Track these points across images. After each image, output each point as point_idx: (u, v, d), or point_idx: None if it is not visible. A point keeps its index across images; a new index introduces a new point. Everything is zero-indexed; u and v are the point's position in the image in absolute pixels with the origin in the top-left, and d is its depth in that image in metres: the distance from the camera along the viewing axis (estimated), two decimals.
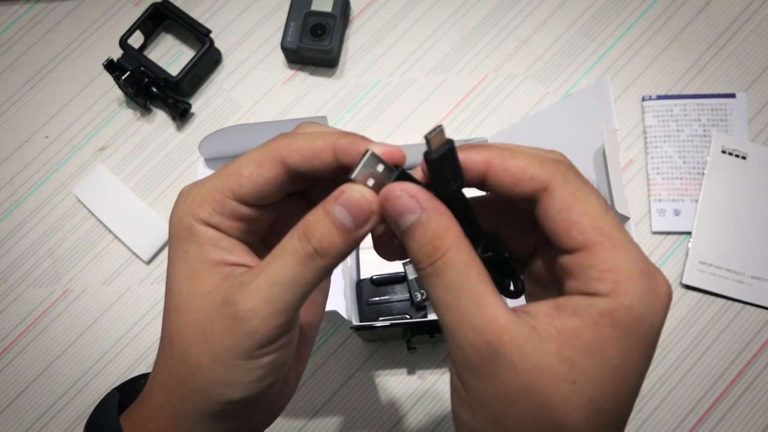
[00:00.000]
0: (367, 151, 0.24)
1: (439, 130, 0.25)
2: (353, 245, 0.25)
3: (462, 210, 0.26)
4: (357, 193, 0.24)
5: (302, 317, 0.30)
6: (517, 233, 0.28)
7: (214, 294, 0.25)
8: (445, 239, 0.24)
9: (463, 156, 0.25)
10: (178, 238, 0.26)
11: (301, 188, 0.28)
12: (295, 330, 0.27)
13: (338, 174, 0.26)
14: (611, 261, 0.23)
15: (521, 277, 0.28)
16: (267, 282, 0.24)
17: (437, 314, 0.24)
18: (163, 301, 0.27)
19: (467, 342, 0.23)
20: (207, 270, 0.25)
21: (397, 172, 0.25)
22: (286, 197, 0.28)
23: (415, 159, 0.57)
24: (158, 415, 0.27)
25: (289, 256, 0.24)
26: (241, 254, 0.26)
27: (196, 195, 0.26)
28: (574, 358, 0.22)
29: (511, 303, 0.25)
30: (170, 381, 0.26)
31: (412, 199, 0.24)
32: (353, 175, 0.24)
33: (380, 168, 0.25)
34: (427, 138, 0.24)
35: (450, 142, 0.25)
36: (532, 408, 0.23)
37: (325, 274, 0.25)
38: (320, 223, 0.24)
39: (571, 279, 0.24)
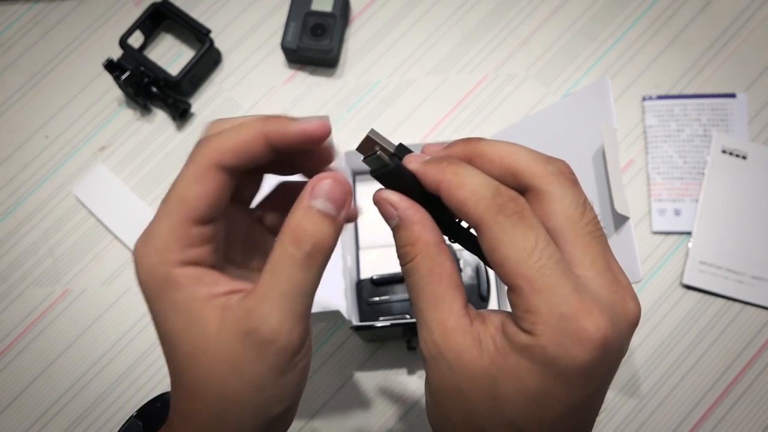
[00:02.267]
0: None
1: (364, 142, 0.27)
2: (340, 230, 0.26)
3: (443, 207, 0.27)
4: (328, 179, 0.26)
5: None
6: None
7: (225, 330, 0.25)
8: (415, 246, 0.26)
9: (423, 170, 0.26)
10: (157, 293, 0.26)
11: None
12: (310, 341, 0.28)
13: (273, 157, 0.27)
14: (529, 304, 0.23)
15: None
16: (277, 299, 0.25)
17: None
18: None
19: (422, 337, 0.26)
20: (202, 310, 0.25)
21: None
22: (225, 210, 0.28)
23: None
24: None
25: (288, 266, 0.25)
26: (226, 282, 0.26)
27: (157, 242, 0.25)
28: (498, 378, 0.24)
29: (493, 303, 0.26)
30: (208, 426, 0.26)
31: (391, 207, 0.26)
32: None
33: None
34: (365, 158, 0.27)
35: (388, 165, 0.27)
36: (463, 410, 0.25)
37: (324, 268, 0.26)
38: (306, 220, 0.25)
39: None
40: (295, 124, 0.26)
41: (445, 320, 0.25)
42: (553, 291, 0.23)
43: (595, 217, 0.26)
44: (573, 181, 0.26)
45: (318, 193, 0.25)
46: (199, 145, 0.26)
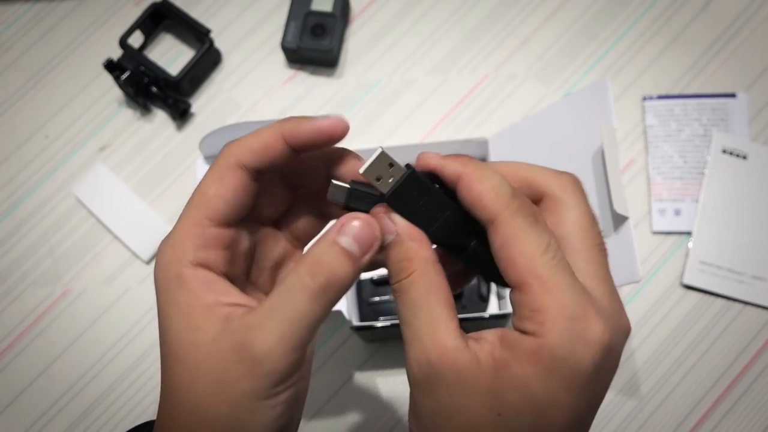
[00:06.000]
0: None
1: (377, 156, 0.26)
2: (358, 273, 0.26)
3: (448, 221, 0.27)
4: (360, 220, 0.25)
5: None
6: None
7: (221, 341, 0.24)
8: (412, 261, 0.25)
9: (442, 163, 0.26)
10: (166, 289, 0.26)
11: (275, 215, 0.29)
12: (309, 363, 0.27)
13: (295, 159, 0.27)
14: (539, 302, 0.23)
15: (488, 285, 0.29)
16: (279, 322, 0.24)
17: (400, 318, 0.26)
18: None
19: (415, 357, 0.25)
20: (204, 315, 0.25)
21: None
22: (262, 228, 0.29)
23: (415, 159, 0.57)
24: None
25: (299, 293, 0.25)
26: (235, 295, 0.26)
27: (176, 239, 0.26)
28: (502, 391, 0.23)
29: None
30: None
31: (389, 222, 0.26)
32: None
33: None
34: (363, 175, 0.26)
35: (408, 170, 0.26)
36: (463, 429, 0.24)
37: (333, 306, 0.26)
38: (328, 254, 0.25)
39: (513, 313, 0.25)
40: (310, 122, 0.26)
41: (443, 339, 0.24)
42: (563, 292, 0.23)
43: (601, 231, 0.27)
44: (584, 192, 0.27)
45: (346, 230, 0.25)
46: (222, 149, 0.27)
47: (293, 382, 0.26)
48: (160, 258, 0.26)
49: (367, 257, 0.26)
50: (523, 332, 0.24)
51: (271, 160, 0.26)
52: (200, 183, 0.26)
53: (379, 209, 0.26)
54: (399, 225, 0.26)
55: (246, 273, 0.29)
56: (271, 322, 0.24)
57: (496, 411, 0.23)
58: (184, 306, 0.25)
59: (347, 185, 0.27)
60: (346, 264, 0.25)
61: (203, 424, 0.25)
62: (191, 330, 0.25)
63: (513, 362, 0.23)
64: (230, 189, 0.26)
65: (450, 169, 0.26)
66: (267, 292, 0.29)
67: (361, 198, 0.27)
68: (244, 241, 0.27)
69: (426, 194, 0.26)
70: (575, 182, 0.27)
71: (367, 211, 0.27)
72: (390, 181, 0.26)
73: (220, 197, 0.26)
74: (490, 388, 0.23)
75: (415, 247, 0.26)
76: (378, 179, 0.26)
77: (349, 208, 0.27)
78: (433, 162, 0.27)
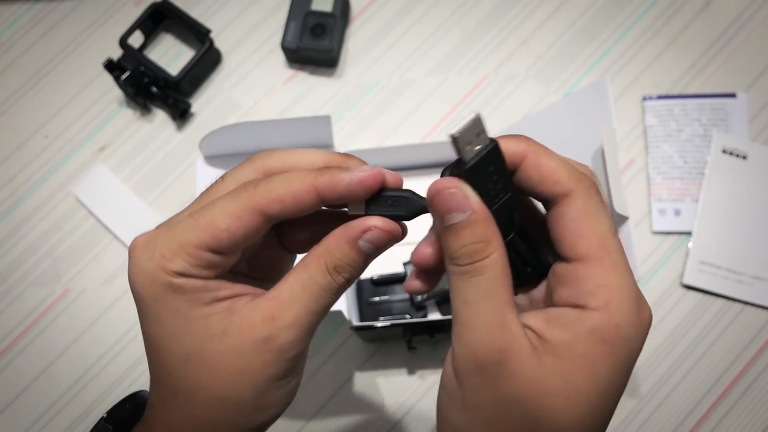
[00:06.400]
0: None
1: (472, 120, 0.24)
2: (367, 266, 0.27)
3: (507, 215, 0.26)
4: (381, 229, 0.26)
5: None
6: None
7: (235, 334, 0.25)
8: (490, 244, 0.24)
9: (503, 141, 0.25)
10: (156, 299, 0.25)
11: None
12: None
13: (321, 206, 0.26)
14: (607, 278, 0.24)
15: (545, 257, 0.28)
16: (303, 314, 0.25)
17: (454, 309, 0.25)
18: None
19: (480, 341, 0.24)
20: (204, 314, 0.25)
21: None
22: None
23: (415, 159, 0.57)
24: None
25: (321, 288, 0.26)
26: (229, 287, 0.26)
27: (165, 250, 0.25)
28: (568, 374, 0.23)
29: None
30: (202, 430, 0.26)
31: (465, 199, 0.24)
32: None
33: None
34: (454, 137, 0.24)
35: (492, 142, 0.25)
36: (525, 417, 0.23)
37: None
38: (348, 257, 0.26)
39: (563, 288, 0.25)
40: (348, 176, 0.25)
41: (513, 324, 0.24)
42: (627, 272, 0.24)
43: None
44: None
45: (370, 237, 0.26)
46: (250, 183, 0.26)
47: (304, 356, 0.28)
48: (143, 263, 0.25)
49: (380, 253, 0.26)
50: (581, 307, 0.24)
51: (298, 211, 0.25)
52: (215, 206, 0.25)
53: (454, 182, 0.24)
54: (474, 203, 0.24)
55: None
56: (294, 313, 0.25)
57: (563, 396, 0.23)
58: (185, 310, 0.25)
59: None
60: (361, 263, 0.26)
61: (227, 412, 0.26)
62: (196, 330, 0.25)
63: (573, 342, 0.23)
64: (243, 230, 0.25)
65: (513, 147, 0.25)
66: (248, 274, 0.29)
67: (380, 202, 0.26)
68: (237, 257, 0.27)
69: (498, 172, 0.25)
70: (586, 184, 0.26)
71: (393, 216, 0.26)
72: (476, 148, 0.24)
73: (230, 234, 0.25)
74: (555, 372, 0.23)
75: (492, 228, 0.25)
76: (468, 144, 0.24)
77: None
78: (512, 144, 0.26)
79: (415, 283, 0.28)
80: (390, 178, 0.26)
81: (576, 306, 0.24)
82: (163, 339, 0.26)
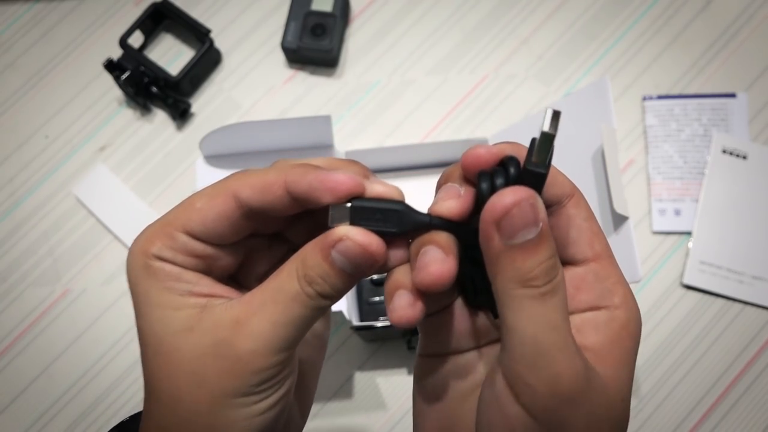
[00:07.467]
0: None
1: (554, 114, 0.21)
2: (354, 284, 0.24)
3: None
4: (354, 241, 0.23)
5: (303, 353, 0.29)
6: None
7: (199, 332, 0.23)
8: (558, 259, 0.22)
9: (510, 150, 0.24)
10: (136, 280, 0.25)
11: (268, 231, 0.27)
12: (296, 361, 0.26)
13: (296, 210, 0.24)
14: (617, 274, 0.24)
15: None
16: (268, 323, 0.23)
17: (529, 338, 0.22)
18: None
19: (570, 366, 0.22)
20: (176, 305, 0.24)
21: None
22: (253, 238, 0.26)
23: (415, 159, 0.57)
24: None
25: (290, 298, 0.23)
26: (208, 285, 0.25)
27: (150, 232, 0.25)
28: (621, 376, 0.23)
29: None
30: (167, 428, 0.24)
31: (534, 210, 0.21)
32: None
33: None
34: (553, 135, 0.22)
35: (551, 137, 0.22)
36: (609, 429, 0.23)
37: (324, 313, 0.25)
38: (320, 268, 0.23)
39: (581, 293, 0.24)
40: (314, 174, 0.23)
41: (576, 347, 0.22)
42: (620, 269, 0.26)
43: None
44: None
45: (341, 249, 0.23)
46: (234, 173, 0.25)
47: (279, 381, 0.24)
48: (132, 248, 0.25)
49: (365, 273, 0.24)
50: (604, 307, 0.24)
51: (267, 203, 0.24)
52: (198, 191, 0.25)
53: (529, 193, 0.21)
54: (543, 213, 0.21)
55: (228, 275, 0.27)
56: (260, 321, 0.23)
57: (620, 398, 0.23)
58: (155, 296, 0.24)
59: (347, 205, 0.23)
60: (337, 280, 0.23)
61: (182, 419, 0.24)
62: (163, 320, 0.24)
63: (610, 344, 0.23)
64: (214, 211, 0.24)
65: (516, 153, 0.24)
66: (234, 278, 0.28)
67: (366, 215, 0.23)
68: (222, 258, 0.26)
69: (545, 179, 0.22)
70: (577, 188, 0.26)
71: (381, 232, 0.23)
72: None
73: (201, 214, 0.24)
74: (614, 379, 0.23)
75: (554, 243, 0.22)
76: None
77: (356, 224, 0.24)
78: (508, 149, 0.23)
79: (410, 311, 0.24)
80: (381, 189, 0.24)
81: (599, 308, 0.24)
82: (140, 327, 0.25)
